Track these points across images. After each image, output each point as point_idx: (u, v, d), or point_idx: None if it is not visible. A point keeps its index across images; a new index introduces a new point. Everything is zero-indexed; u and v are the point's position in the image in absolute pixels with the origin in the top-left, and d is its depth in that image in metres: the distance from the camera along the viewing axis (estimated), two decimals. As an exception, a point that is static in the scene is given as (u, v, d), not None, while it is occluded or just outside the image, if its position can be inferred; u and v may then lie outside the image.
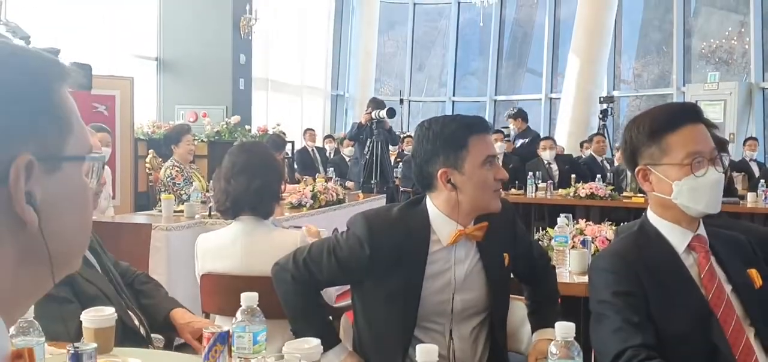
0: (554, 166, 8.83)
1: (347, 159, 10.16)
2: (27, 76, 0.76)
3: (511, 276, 2.38)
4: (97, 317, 1.93)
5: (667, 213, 1.87)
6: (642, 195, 1.89)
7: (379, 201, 7.00)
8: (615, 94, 14.07)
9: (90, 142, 0.83)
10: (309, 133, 11.42)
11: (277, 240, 2.67)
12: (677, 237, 1.86)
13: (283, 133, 9.69)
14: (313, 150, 11.09)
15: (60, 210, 0.77)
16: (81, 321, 1.93)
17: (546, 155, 8.87)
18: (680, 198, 1.83)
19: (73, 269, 0.83)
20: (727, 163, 2.00)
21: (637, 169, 1.90)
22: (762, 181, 7.62)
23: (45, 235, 0.74)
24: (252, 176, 2.68)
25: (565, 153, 10.46)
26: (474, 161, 2.09)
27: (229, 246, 2.72)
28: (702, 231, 1.89)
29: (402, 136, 11.03)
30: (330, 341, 2.17)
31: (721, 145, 2.41)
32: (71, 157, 0.78)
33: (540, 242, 3.80)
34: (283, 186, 2.90)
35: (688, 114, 1.88)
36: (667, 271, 1.82)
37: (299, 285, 2.22)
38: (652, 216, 1.92)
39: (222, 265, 2.71)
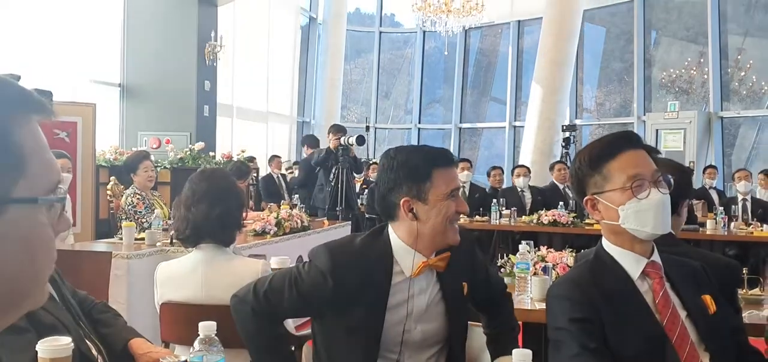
0: (527, 194, 8.93)
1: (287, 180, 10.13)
2: None
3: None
4: (54, 347, 1.90)
5: (619, 240, 1.90)
6: (602, 222, 1.94)
7: (344, 229, 6.99)
8: (577, 122, 14.30)
9: (54, 178, 0.78)
10: (275, 160, 11.38)
11: (239, 269, 2.66)
12: (631, 264, 1.89)
13: (250, 160, 9.63)
14: (278, 177, 11.05)
15: (2, 256, 0.72)
16: (37, 351, 1.89)
17: (519, 182, 8.98)
18: (628, 223, 1.86)
19: (19, 315, 0.78)
20: (672, 182, 2.03)
21: (585, 199, 1.94)
22: (721, 208, 7.80)
23: None
24: (213, 203, 2.66)
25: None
26: (437, 193, 2.11)
27: (189, 274, 2.69)
28: (656, 257, 1.92)
29: (368, 162, 11.05)
30: None
31: (682, 171, 2.46)
32: (17, 199, 0.73)
33: (502, 269, 3.84)
34: (245, 214, 2.89)
35: (626, 140, 1.92)
36: (622, 297, 1.85)
37: (259, 318, 2.19)
38: (606, 243, 1.94)
39: (182, 294, 2.69)
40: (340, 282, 2.11)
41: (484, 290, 2.42)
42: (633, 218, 1.85)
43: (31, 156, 0.75)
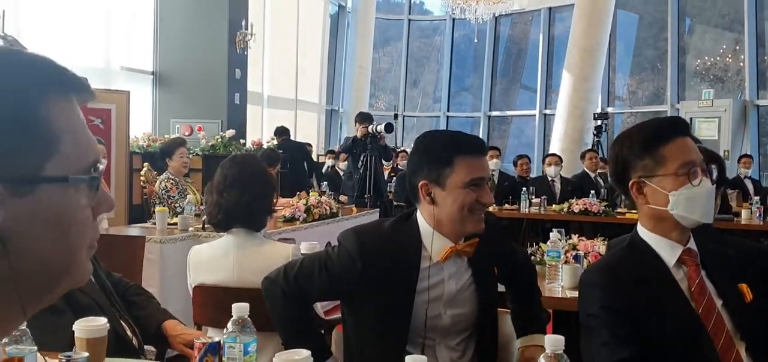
0: (557, 183, 8.86)
1: (341, 173, 10.17)
2: (4, 94, 0.70)
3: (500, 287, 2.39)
4: (90, 327, 1.93)
5: (659, 226, 1.88)
6: (635, 211, 1.89)
7: (372, 216, 7.00)
8: (609, 110, 14.14)
9: (88, 159, 0.76)
10: (306, 148, 11.43)
11: (269, 253, 2.68)
12: (667, 251, 1.87)
13: (285, 142, 9.70)
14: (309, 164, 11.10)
15: (32, 234, 0.71)
16: (73, 331, 1.93)
17: (551, 171, 8.91)
18: (677, 209, 1.83)
19: (55, 298, 0.77)
20: (715, 175, 2.00)
21: (630, 183, 1.90)
22: (756, 198, 7.66)
23: (11, 261, 0.69)
24: (244, 189, 2.68)
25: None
26: (457, 180, 2.09)
27: (221, 258, 2.72)
28: (692, 245, 1.90)
29: (396, 150, 11.05)
30: (322, 355, 2.17)
31: (716, 160, 2.43)
32: (47, 178, 0.72)
33: (533, 257, 3.82)
34: (275, 200, 2.90)
35: (679, 127, 1.90)
36: (658, 285, 1.83)
37: (290, 301, 2.21)
38: (642, 230, 1.92)
39: (214, 277, 2.72)
40: (368, 265, 2.11)
41: (511, 267, 2.42)
42: (684, 204, 1.82)
43: (63, 134, 0.74)
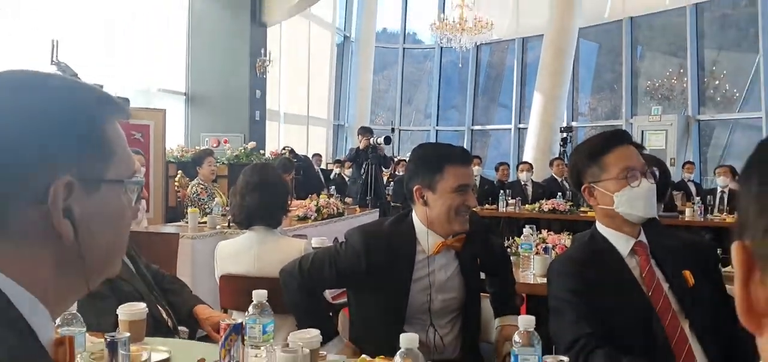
0: (529, 187, 8.89)
1: (347, 179, 10.15)
2: (75, 109, 0.75)
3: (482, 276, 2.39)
4: (131, 311, 1.93)
5: (612, 222, 1.88)
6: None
7: (373, 215, 7.00)
8: (573, 124, 14.13)
9: (133, 167, 0.81)
10: (316, 157, 11.41)
11: (285, 247, 2.67)
12: (622, 243, 1.87)
13: (294, 157, 9.69)
14: (318, 171, 11.08)
15: (97, 227, 0.75)
16: (117, 315, 1.93)
17: (523, 176, 8.96)
18: (621, 207, 1.84)
19: (109, 275, 0.81)
20: (657, 174, 2.00)
21: (582, 188, 1.91)
22: (698, 198, 7.67)
23: (81, 246, 0.72)
24: (263, 192, 2.68)
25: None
26: (446, 186, 2.09)
27: (244, 251, 2.71)
28: (643, 238, 1.90)
29: (395, 159, 11.04)
30: (330, 334, 2.17)
31: (657, 163, 2.43)
32: (110, 180, 0.76)
33: (509, 249, 3.81)
34: (289, 201, 2.90)
35: (619, 137, 1.91)
36: (614, 272, 1.83)
37: (304, 291, 2.20)
38: (600, 226, 1.92)
39: (237, 268, 2.71)
40: (372, 260, 2.11)
41: (491, 258, 2.43)
42: (626, 203, 1.83)
43: (116, 147, 0.78)
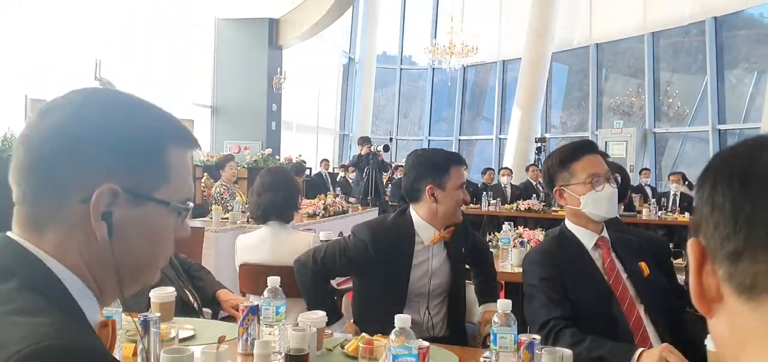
0: (508, 189, 8.90)
1: (350, 181, 10.14)
2: (141, 129, 0.73)
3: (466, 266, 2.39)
4: (161, 294, 1.92)
5: (579, 220, 1.88)
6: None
7: (373, 213, 6.99)
8: (547, 135, 14.12)
9: (186, 195, 0.77)
10: (324, 162, 11.39)
11: (296, 240, 2.67)
12: (587, 238, 1.87)
13: (304, 162, 9.68)
14: (325, 175, 11.06)
15: (133, 235, 0.72)
16: (149, 297, 1.92)
17: (504, 180, 8.97)
18: (587, 208, 1.84)
19: (144, 284, 0.78)
20: (619, 179, 2.00)
21: (554, 190, 1.91)
22: (653, 200, 7.67)
23: (114, 249, 0.70)
24: (277, 192, 2.67)
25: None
26: (453, 183, 2.12)
27: (260, 244, 2.71)
28: (605, 233, 1.90)
29: (393, 165, 11.04)
30: (337, 315, 2.17)
31: (619, 170, 2.43)
32: (157, 199, 0.73)
33: (490, 243, 3.81)
34: (300, 200, 2.89)
35: (587, 146, 1.91)
36: (580, 263, 1.83)
37: (317, 278, 2.20)
38: (568, 223, 1.92)
39: (255, 257, 2.70)
40: (378, 250, 2.11)
41: (474, 250, 2.42)
42: (591, 205, 1.83)
43: (176, 173, 0.75)
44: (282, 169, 3.20)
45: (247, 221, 4.64)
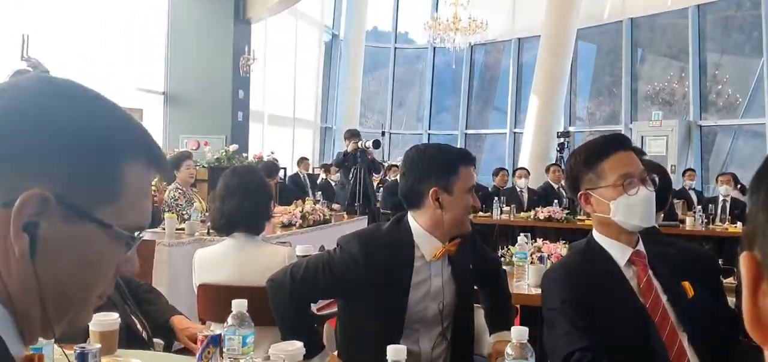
0: (525, 193, 8.94)
1: (334, 184, 10.14)
2: (92, 134, 0.72)
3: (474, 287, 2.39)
4: (103, 321, 1.91)
5: (608, 230, 1.89)
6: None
7: (361, 222, 6.98)
8: (571, 129, 14.21)
9: (138, 223, 0.76)
10: (302, 162, 11.39)
11: (267, 255, 2.66)
12: (618, 252, 1.88)
13: (277, 160, 9.67)
14: (303, 176, 11.07)
15: (61, 257, 0.70)
16: (88, 325, 1.91)
17: (520, 183, 9.01)
18: (617, 215, 1.84)
19: (76, 323, 0.76)
20: (657, 181, 2.01)
21: (579, 194, 1.92)
22: (699, 206, 7.73)
23: (37, 271, 0.69)
24: (243, 197, 2.66)
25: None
26: (462, 186, 2.12)
27: (223, 259, 2.70)
28: (641, 247, 1.91)
29: (385, 164, 11.04)
30: (317, 347, 2.16)
31: (657, 170, 2.44)
32: (95, 218, 0.71)
33: (503, 258, 3.82)
34: (273, 207, 2.89)
35: (618, 142, 1.92)
36: (610, 282, 1.84)
37: (295, 300, 2.17)
38: (596, 234, 1.93)
39: (216, 277, 2.69)
40: (370, 266, 2.10)
41: (482, 266, 2.42)
42: (623, 211, 1.83)
43: (128, 193, 0.74)
44: (250, 169, 3.19)
45: (208, 232, 4.62)
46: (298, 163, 11.51)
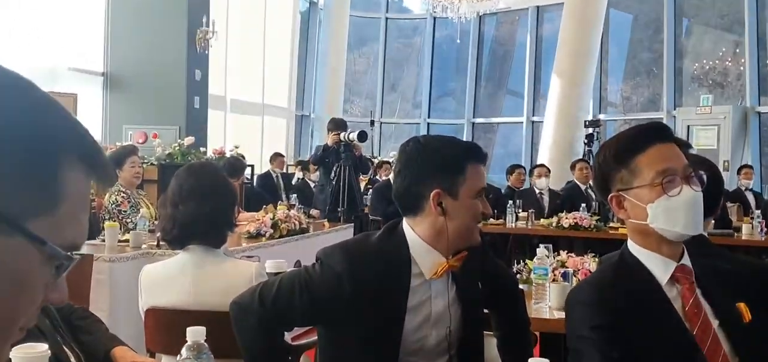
0: (546, 196, 8.94)
1: (312, 185, 10.14)
2: (31, 125, 0.72)
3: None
4: (29, 354, 1.90)
5: (646, 241, 1.89)
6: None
7: (346, 232, 6.98)
8: (601, 117, 14.25)
9: (74, 239, 0.76)
10: (276, 159, 11.38)
11: (230, 272, 2.66)
12: (659, 268, 1.88)
13: (242, 156, 9.67)
14: (276, 176, 11.07)
15: None
16: (10, 359, 1.90)
17: (540, 183, 8.99)
18: (657, 222, 1.84)
19: None
20: (705, 179, 2.01)
21: (609, 197, 1.92)
22: (758, 211, 7.74)
23: None
24: (201, 201, 2.65)
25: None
26: (469, 189, 2.12)
27: (177, 277, 2.69)
28: (686, 261, 1.91)
29: (375, 161, 11.05)
30: None
31: (706, 165, 2.44)
32: (27, 233, 0.71)
33: (519, 274, 3.83)
34: (237, 213, 2.89)
35: (656, 132, 1.91)
36: (649, 304, 1.84)
37: (265, 328, 2.16)
38: (632, 245, 1.93)
39: (168, 299, 2.68)
40: (358, 285, 2.08)
41: (494, 286, 2.42)
42: (662, 217, 1.83)
43: (67, 203, 0.74)
44: (209, 166, 3.18)
45: (158, 244, 4.62)
46: (270, 160, 11.51)
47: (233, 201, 2.82)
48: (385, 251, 2.17)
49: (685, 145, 1.96)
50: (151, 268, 2.82)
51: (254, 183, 11.14)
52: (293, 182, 11.03)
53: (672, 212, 1.83)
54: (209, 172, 2.86)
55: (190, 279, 2.67)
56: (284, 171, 11.60)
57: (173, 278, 2.70)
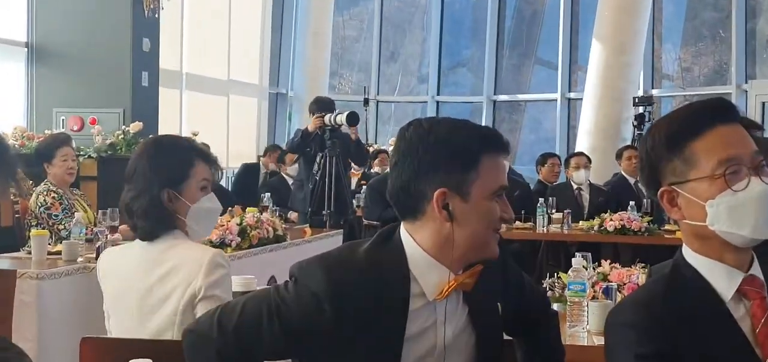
0: (585, 193, 8.95)
1: (290, 181, 10.13)
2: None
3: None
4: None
5: (706, 247, 1.90)
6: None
7: (334, 240, 6.99)
8: (654, 93, 14.26)
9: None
10: (269, 154, 11.44)
11: (179, 258, 2.78)
12: (722, 280, 1.89)
13: (205, 145, 9.69)
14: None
15: None
16: None
17: (579, 176, 8.97)
18: (718, 223, 1.84)
19: None
20: None
21: (660, 192, 1.93)
22: None
23: None
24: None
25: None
26: (484, 189, 2.08)
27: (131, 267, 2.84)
28: (756, 271, 1.92)
29: (371, 149, 11.05)
30: None
31: None
32: None
33: (551, 291, 3.84)
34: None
35: (716, 111, 1.91)
36: (710, 324, 1.85)
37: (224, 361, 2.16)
38: (687, 252, 1.94)
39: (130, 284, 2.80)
40: (341, 309, 2.06)
41: (519, 309, 2.40)
42: (726, 216, 1.84)
43: None
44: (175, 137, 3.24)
45: (97, 256, 4.63)
46: (263, 155, 11.54)
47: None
48: (377, 265, 2.13)
49: (754, 127, 1.96)
50: (110, 255, 3.03)
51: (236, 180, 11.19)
52: (267, 178, 11.05)
53: (737, 211, 1.83)
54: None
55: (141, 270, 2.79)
56: (252, 161, 11.64)
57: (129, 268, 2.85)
